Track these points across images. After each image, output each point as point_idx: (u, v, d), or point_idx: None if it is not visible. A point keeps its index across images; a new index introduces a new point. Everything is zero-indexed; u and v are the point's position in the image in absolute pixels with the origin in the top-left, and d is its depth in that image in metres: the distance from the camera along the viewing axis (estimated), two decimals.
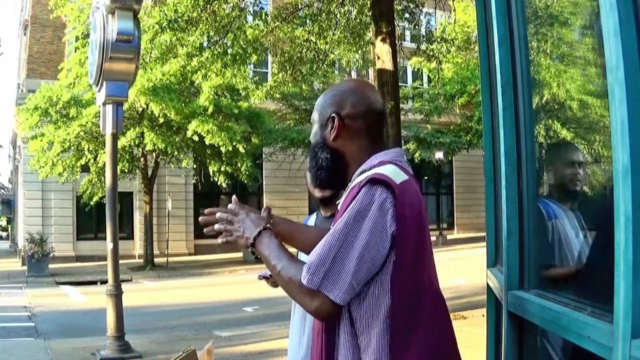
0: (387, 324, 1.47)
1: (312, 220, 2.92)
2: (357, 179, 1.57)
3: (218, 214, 1.71)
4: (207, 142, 17.12)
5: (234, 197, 1.78)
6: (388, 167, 1.54)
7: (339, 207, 1.65)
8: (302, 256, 2.15)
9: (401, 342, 1.46)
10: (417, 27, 12.36)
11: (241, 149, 17.57)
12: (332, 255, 1.45)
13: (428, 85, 26.09)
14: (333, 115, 1.64)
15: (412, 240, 1.49)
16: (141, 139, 17.59)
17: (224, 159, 18.38)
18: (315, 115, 1.71)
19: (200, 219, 1.75)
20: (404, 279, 1.47)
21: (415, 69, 23.28)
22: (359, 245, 1.44)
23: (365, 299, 1.49)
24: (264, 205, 1.82)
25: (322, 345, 1.58)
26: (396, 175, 1.51)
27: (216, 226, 1.70)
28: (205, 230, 1.75)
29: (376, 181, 1.48)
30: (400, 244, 1.46)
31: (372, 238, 1.44)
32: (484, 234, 2.77)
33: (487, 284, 2.53)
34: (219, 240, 1.71)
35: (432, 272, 1.59)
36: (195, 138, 17.08)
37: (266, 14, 12.19)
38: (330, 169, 1.65)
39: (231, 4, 10.83)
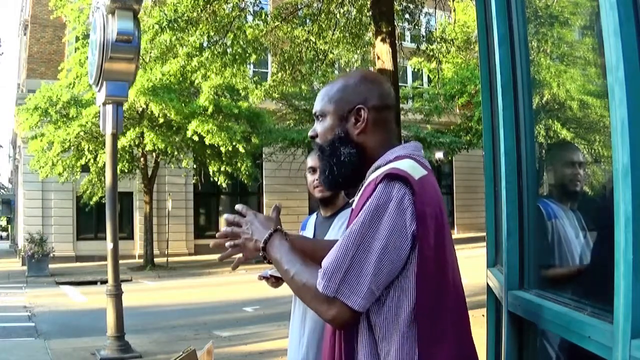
0: (410, 330, 1.37)
1: (312, 220, 2.91)
2: (372, 175, 1.47)
3: (225, 216, 1.63)
4: (207, 142, 17.13)
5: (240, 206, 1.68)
6: (405, 161, 1.45)
7: (353, 206, 1.53)
8: None
9: (426, 349, 1.37)
10: (417, 27, 12.36)
11: (241, 149, 17.57)
12: (349, 259, 1.35)
13: (428, 85, 26.08)
14: (359, 106, 1.52)
15: (433, 239, 1.39)
16: (141, 139, 17.59)
17: (224, 159, 18.38)
18: (329, 107, 1.56)
19: (211, 244, 1.66)
20: (426, 281, 1.38)
21: (415, 69, 23.27)
22: (378, 247, 1.34)
23: (385, 304, 1.39)
24: (274, 205, 1.72)
25: (340, 355, 1.46)
26: (414, 170, 1.42)
27: (223, 230, 1.63)
28: (219, 257, 1.68)
29: (393, 176, 1.38)
30: (422, 243, 1.36)
31: (391, 239, 1.34)
32: (484, 234, 2.77)
33: (487, 284, 2.53)
34: (227, 244, 1.62)
35: (455, 273, 1.49)
36: (195, 138, 17.08)
37: (266, 14, 12.19)
38: (353, 165, 1.52)
39: (231, 4, 10.83)
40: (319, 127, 1.59)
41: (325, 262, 1.38)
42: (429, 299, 1.39)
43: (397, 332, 1.38)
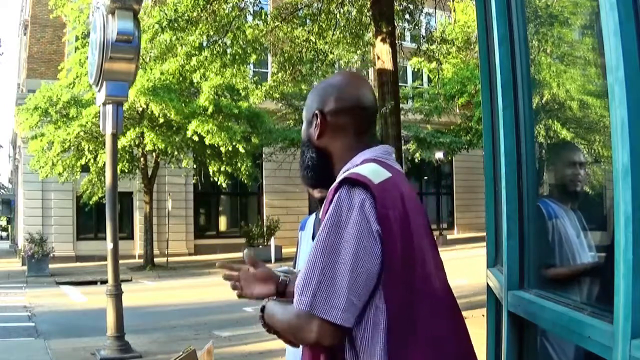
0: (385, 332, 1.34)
1: (311, 220, 2.91)
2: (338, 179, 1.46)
3: (226, 273, 1.65)
4: (207, 142, 17.14)
5: (246, 250, 1.71)
6: (368, 165, 1.43)
7: (321, 212, 1.50)
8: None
9: (395, 352, 1.33)
10: (417, 27, 12.36)
11: (241, 149, 17.57)
12: (319, 271, 1.30)
13: (428, 85, 26.10)
14: (316, 112, 1.54)
15: (400, 240, 1.35)
16: (141, 139, 17.60)
17: (224, 159, 18.39)
18: (304, 112, 1.63)
19: (223, 276, 1.69)
20: (393, 280, 1.34)
21: (415, 69, 23.30)
22: (347, 254, 1.30)
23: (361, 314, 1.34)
24: (245, 252, 1.71)
25: None
26: (375, 174, 1.39)
27: (230, 284, 1.65)
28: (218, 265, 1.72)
29: (353, 182, 1.36)
30: (387, 245, 1.33)
31: (360, 244, 1.30)
32: (484, 234, 2.76)
33: (487, 284, 2.53)
34: (237, 292, 1.65)
35: (432, 275, 1.44)
36: (195, 138, 17.09)
37: (266, 14, 12.20)
38: (317, 168, 1.55)
39: (231, 4, 10.83)
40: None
41: (297, 281, 1.36)
42: (398, 298, 1.34)
43: (378, 342, 1.33)
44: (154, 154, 18.72)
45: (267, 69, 21.40)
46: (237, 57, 11.38)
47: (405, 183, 1.50)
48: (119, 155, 14.19)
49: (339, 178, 1.44)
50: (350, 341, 1.36)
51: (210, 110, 16.93)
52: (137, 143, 17.74)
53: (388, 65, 8.93)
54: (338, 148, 1.53)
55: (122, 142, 16.20)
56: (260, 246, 20.57)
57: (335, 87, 1.57)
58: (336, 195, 1.36)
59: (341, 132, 1.53)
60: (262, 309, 1.55)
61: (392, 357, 1.32)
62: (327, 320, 1.29)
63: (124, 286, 7.24)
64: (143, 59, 13.61)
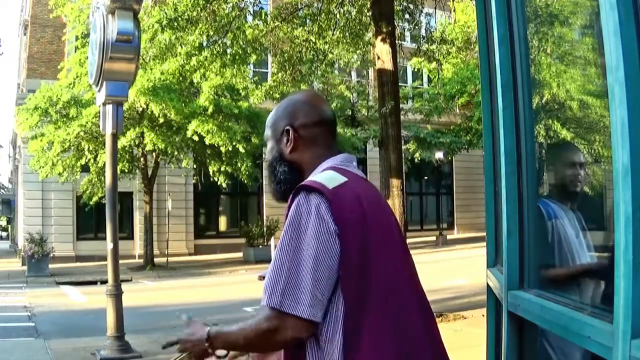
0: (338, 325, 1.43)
1: None
2: None
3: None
4: (207, 142, 17.13)
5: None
6: (324, 173, 1.55)
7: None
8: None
9: (347, 354, 1.41)
10: (417, 27, 12.36)
11: (241, 149, 17.57)
12: (285, 272, 1.41)
13: (428, 85, 26.10)
14: (287, 127, 1.64)
15: (357, 239, 1.44)
16: (141, 139, 17.60)
17: (224, 159, 18.38)
18: (268, 132, 1.71)
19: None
20: (348, 286, 1.42)
21: (415, 69, 23.29)
22: (309, 254, 1.41)
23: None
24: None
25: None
26: (330, 180, 1.50)
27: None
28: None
29: (308, 189, 1.47)
30: (344, 243, 1.42)
31: (320, 244, 1.41)
32: (484, 234, 2.77)
33: (487, 284, 2.53)
34: (178, 350, 1.75)
35: (393, 269, 1.51)
36: (195, 138, 17.09)
37: (266, 14, 12.19)
38: (290, 181, 1.63)
39: (231, 4, 10.83)
40: (267, 151, 1.74)
41: (265, 283, 1.44)
42: (352, 296, 1.42)
43: (338, 331, 1.42)
44: (154, 154, 18.71)
45: (267, 69, 21.40)
46: (237, 57, 11.37)
47: (365, 186, 1.60)
48: (119, 155, 14.18)
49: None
50: (315, 339, 1.45)
51: (210, 110, 16.92)
52: (137, 143, 17.73)
53: (388, 65, 8.92)
54: (308, 159, 1.64)
55: (122, 142, 16.19)
56: (260, 246, 20.58)
57: (301, 103, 1.69)
58: (295, 202, 1.48)
59: (311, 144, 1.65)
60: (207, 339, 1.58)
61: (346, 342, 1.41)
62: (296, 316, 1.39)
63: (124, 286, 7.23)
64: (143, 59, 13.61)
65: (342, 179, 1.52)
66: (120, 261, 7.55)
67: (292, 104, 1.70)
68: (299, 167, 1.65)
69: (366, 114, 21.48)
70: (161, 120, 17.04)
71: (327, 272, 1.41)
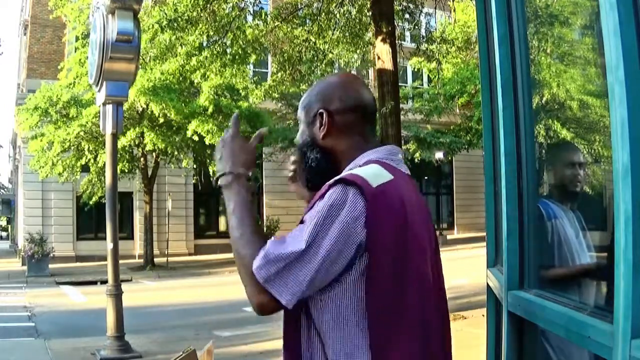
0: (360, 340, 1.33)
1: None
2: None
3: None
4: (207, 142, 17.13)
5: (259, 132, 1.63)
6: (369, 167, 1.42)
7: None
8: None
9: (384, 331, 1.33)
10: (417, 27, 12.36)
11: None
12: (294, 255, 1.31)
13: (428, 85, 26.10)
14: (321, 111, 1.51)
15: (391, 248, 1.33)
16: (141, 139, 17.60)
17: None
18: (301, 114, 1.58)
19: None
20: (378, 295, 1.33)
21: (415, 69, 23.28)
22: (324, 250, 1.30)
23: (331, 310, 1.36)
24: (258, 132, 1.63)
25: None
26: (375, 177, 1.37)
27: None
28: None
29: (348, 182, 1.34)
30: (373, 253, 1.32)
31: (336, 245, 1.30)
32: (484, 234, 2.76)
33: (487, 284, 2.53)
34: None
35: (425, 286, 1.41)
36: (195, 138, 17.09)
37: (266, 14, 12.19)
38: (322, 169, 1.51)
39: (231, 4, 10.83)
40: (298, 133, 1.62)
41: (272, 246, 1.35)
42: (380, 314, 1.33)
43: (347, 342, 1.34)
44: (154, 154, 18.71)
45: (267, 69, 21.40)
46: (237, 57, 11.37)
47: (409, 186, 1.47)
48: (119, 155, 14.18)
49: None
50: (319, 340, 1.39)
51: (210, 110, 16.93)
52: (137, 143, 17.73)
53: (388, 65, 8.93)
54: (344, 147, 1.51)
55: (122, 142, 16.20)
56: None
57: (338, 87, 1.56)
58: (329, 191, 1.35)
59: (346, 131, 1.51)
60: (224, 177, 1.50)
61: (372, 338, 1.33)
62: (276, 299, 1.33)
63: (124, 286, 7.24)
64: (143, 59, 13.61)
65: (388, 176, 1.40)
66: (120, 261, 7.55)
67: (328, 86, 1.57)
68: (333, 155, 1.52)
69: None
70: (161, 120, 17.04)
71: (325, 273, 1.32)
